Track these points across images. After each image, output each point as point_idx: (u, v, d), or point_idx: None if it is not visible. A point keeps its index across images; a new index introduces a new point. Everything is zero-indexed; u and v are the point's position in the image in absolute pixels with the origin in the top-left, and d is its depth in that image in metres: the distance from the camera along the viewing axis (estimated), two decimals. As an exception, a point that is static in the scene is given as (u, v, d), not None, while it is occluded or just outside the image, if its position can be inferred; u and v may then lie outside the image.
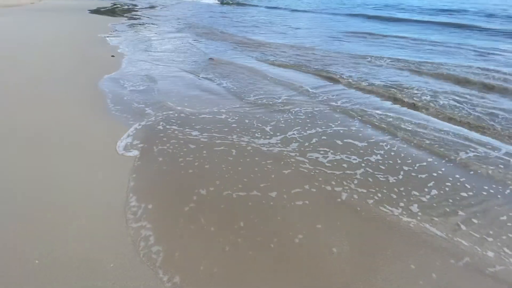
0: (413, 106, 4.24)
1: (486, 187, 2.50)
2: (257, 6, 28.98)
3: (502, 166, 2.80)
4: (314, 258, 1.78)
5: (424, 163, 2.82)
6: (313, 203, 2.25)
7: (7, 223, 1.99)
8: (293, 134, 3.33)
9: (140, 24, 13.36)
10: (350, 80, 5.36)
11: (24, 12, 16.54)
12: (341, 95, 4.66)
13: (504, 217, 2.15)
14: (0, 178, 2.48)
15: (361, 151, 3.00)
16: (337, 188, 2.43)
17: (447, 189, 2.45)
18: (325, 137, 3.27)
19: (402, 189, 2.44)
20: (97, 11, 18.85)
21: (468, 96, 4.64)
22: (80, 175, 2.54)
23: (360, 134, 3.37)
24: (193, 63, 6.48)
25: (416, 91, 4.81)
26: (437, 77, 5.59)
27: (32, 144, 3.01)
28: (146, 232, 1.94)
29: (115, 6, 24.73)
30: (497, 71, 5.89)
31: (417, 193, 2.38)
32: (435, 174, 2.64)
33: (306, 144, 3.11)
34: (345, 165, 2.75)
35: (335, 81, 5.37)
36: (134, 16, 16.87)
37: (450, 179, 2.59)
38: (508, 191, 2.46)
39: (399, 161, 2.85)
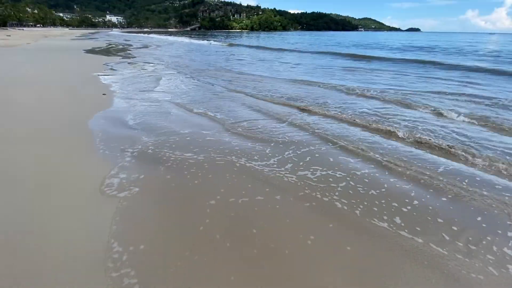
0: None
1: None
2: (244, 46, 30.81)
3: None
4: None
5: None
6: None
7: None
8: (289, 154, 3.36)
9: (133, 63, 13.87)
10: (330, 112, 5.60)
11: (19, 52, 17.01)
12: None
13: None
14: (-27, 224, 2.33)
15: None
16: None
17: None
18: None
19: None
20: (92, 51, 19.59)
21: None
22: (60, 216, 2.42)
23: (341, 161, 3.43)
24: (185, 98, 6.65)
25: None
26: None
27: (11, 183, 2.89)
28: (129, 280, 1.81)
29: (110, 46, 25.80)
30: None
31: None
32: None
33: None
34: (331, 179, 2.75)
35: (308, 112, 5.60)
36: (128, 55, 17.58)
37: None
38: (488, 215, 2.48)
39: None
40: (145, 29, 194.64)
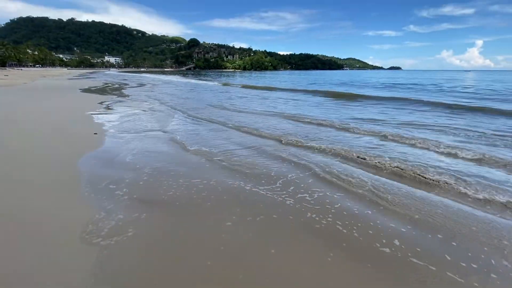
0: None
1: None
2: (238, 86, 32.24)
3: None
4: None
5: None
6: None
7: None
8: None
9: (127, 101, 14.18)
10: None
11: (15, 91, 17.25)
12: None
13: None
14: None
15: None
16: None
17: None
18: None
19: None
20: (88, 90, 20.05)
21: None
22: (35, 267, 2.23)
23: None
24: (179, 136, 6.68)
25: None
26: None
27: (-13, 235, 2.70)
28: None
29: (106, 85, 26.55)
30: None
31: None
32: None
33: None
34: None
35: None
36: (123, 94, 18.02)
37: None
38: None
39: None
40: (142, 69, 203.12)
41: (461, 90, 22.32)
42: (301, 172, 4.53)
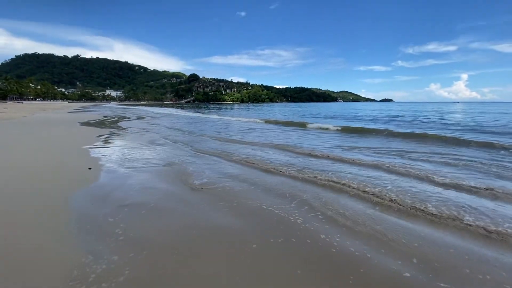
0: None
1: None
2: (236, 118, 32.87)
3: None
4: None
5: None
6: None
7: None
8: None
9: (125, 134, 14.26)
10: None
11: (13, 125, 17.35)
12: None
13: None
14: None
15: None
16: None
17: None
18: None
19: None
20: (87, 123, 20.27)
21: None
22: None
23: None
24: (176, 172, 6.59)
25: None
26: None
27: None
28: None
29: (105, 118, 26.95)
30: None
31: None
32: None
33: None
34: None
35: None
36: (121, 127, 18.22)
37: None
38: None
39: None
40: (142, 102, 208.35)
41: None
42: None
